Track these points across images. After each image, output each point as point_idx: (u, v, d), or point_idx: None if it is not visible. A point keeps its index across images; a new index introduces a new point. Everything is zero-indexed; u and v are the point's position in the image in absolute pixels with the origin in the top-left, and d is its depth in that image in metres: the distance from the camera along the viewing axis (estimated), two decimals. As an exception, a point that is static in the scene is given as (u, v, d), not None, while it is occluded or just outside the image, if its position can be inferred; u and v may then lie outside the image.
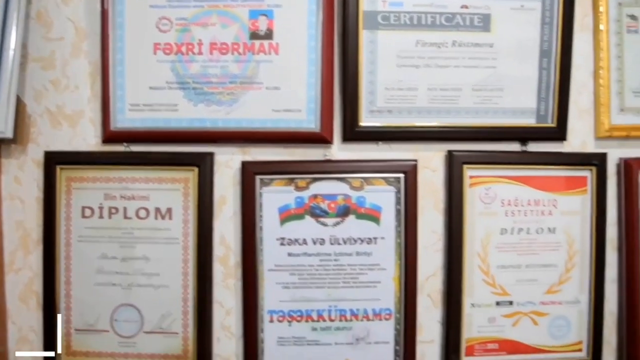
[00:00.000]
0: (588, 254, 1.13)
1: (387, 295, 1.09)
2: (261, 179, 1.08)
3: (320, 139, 1.08)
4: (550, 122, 1.12)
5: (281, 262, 1.09)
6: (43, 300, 1.10)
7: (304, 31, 1.07)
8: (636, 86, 1.15)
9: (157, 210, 1.10)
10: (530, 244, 1.12)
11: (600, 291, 1.13)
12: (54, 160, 1.09)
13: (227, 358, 1.12)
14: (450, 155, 1.10)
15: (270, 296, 1.09)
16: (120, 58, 1.08)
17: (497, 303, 1.12)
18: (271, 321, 1.09)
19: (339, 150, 1.11)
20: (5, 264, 1.12)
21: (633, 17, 1.14)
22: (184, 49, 1.08)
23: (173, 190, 1.10)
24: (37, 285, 1.11)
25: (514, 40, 1.11)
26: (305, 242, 1.09)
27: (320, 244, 1.09)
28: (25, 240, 1.12)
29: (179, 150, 1.10)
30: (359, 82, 1.08)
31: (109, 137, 1.09)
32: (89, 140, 1.12)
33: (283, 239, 1.09)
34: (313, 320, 1.09)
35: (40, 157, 1.10)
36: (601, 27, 1.13)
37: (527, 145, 1.13)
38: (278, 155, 1.11)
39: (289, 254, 1.09)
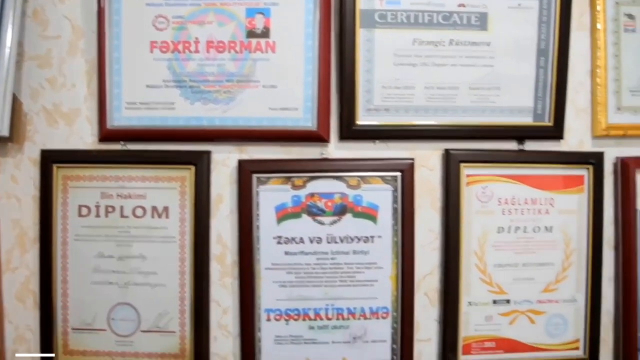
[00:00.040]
0: (585, 253, 1.13)
1: (384, 293, 1.09)
2: (258, 178, 1.08)
3: (317, 137, 1.08)
4: (548, 121, 1.12)
5: (278, 260, 1.09)
6: (40, 299, 1.10)
7: (300, 29, 1.07)
8: (633, 85, 1.15)
9: (154, 208, 1.09)
10: (527, 243, 1.12)
11: (597, 290, 1.13)
12: (50, 159, 1.09)
13: (224, 357, 1.12)
14: (447, 154, 1.10)
15: (267, 295, 1.09)
16: (116, 56, 1.08)
17: (494, 301, 1.12)
18: (268, 320, 1.09)
19: (335, 149, 1.11)
20: (1, 263, 1.11)
21: (630, 16, 1.15)
22: (180, 47, 1.08)
23: (170, 188, 1.09)
24: (34, 284, 1.11)
25: (511, 39, 1.11)
26: (302, 240, 1.08)
27: (317, 243, 1.08)
28: (22, 239, 1.12)
29: (176, 148, 1.09)
30: (356, 80, 1.08)
31: (106, 135, 1.09)
32: (86, 138, 1.11)
33: (280, 237, 1.08)
34: (310, 319, 1.09)
35: (36, 156, 1.10)
36: (598, 25, 1.14)
37: (524, 144, 1.13)
38: (275, 153, 1.11)
39: (286, 253, 1.08)
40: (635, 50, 1.14)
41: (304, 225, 1.08)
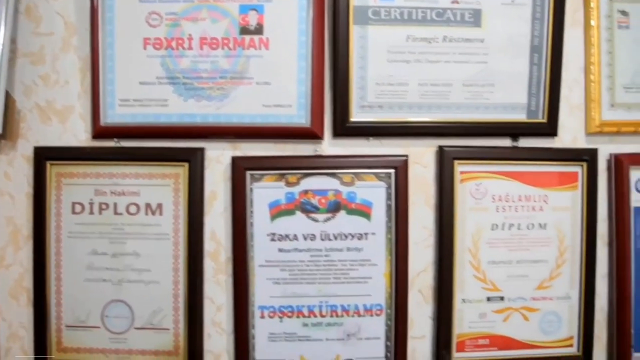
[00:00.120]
0: (579, 250, 1.13)
1: (378, 290, 1.09)
2: (252, 175, 1.08)
3: (311, 134, 1.08)
4: (541, 118, 1.12)
5: (272, 257, 1.08)
6: (33, 297, 1.09)
7: (294, 26, 1.07)
8: (627, 82, 1.15)
9: (148, 205, 1.09)
10: (521, 240, 1.12)
11: (591, 287, 1.13)
12: (43, 156, 1.09)
13: (218, 354, 1.12)
14: (441, 151, 1.10)
15: (261, 292, 1.09)
16: (110, 53, 1.08)
17: (488, 299, 1.12)
18: (262, 317, 1.09)
19: (329, 146, 1.11)
20: (-5, 260, 1.11)
21: (624, 12, 1.15)
22: (174, 44, 1.08)
23: (163, 185, 1.09)
24: (28, 282, 1.11)
25: (505, 36, 1.11)
26: (295, 237, 1.08)
27: (311, 240, 1.08)
28: (16, 236, 1.11)
29: (169, 145, 1.09)
30: (350, 77, 1.07)
31: (99, 132, 1.09)
32: (79, 135, 1.11)
33: (274, 234, 1.08)
34: (304, 316, 1.09)
35: (30, 153, 1.10)
36: (592, 22, 1.14)
37: (517, 140, 1.13)
38: (268, 150, 1.11)
39: (280, 250, 1.08)
40: (628, 47, 1.14)
41: (298, 222, 1.08)
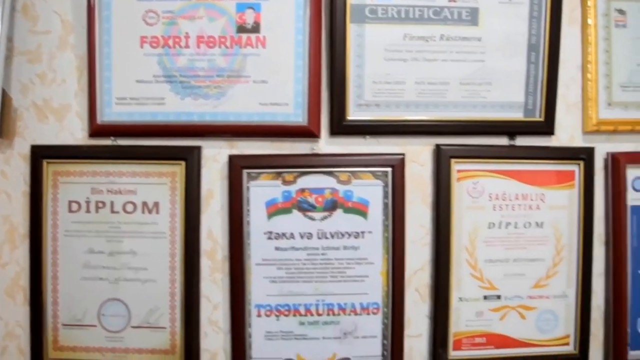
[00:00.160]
0: (575, 248, 1.13)
1: (375, 289, 1.09)
2: (248, 173, 1.08)
3: (308, 132, 1.08)
4: (538, 117, 1.12)
5: (268, 256, 1.08)
6: (30, 295, 1.09)
7: (291, 24, 1.07)
8: (624, 80, 1.15)
9: (144, 204, 1.09)
10: (517, 238, 1.13)
11: (588, 285, 1.13)
12: (40, 154, 1.09)
13: (214, 353, 1.12)
14: (438, 149, 1.10)
15: (258, 290, 1.09)
16: (107, 51, 1.08)
17: (485, 297, 1.12)
18: (259, 315, 1.09)
19: (326, 144, 1.11)
20: (-9, 259, 1.11)
21: (621, 11, 1.15)
22: (170, 42, 1.08)
23: (160, 184, 1.09)
24: (24, 280, 1.11)
25: (502, 34, 1.11)
26: (292, 236, 1.08)
27: (308, 238, 1.08)
28: (12, 234, 1.11)
29: (166, 144, 1.09)
30: (347, 75, 1.07)
31: (96, 131, 1.09)
32: (76, 134, 1.11)
33: (270, 233, 1.08)
34: (301, 315, 1.09)
35: (26, 151, 1.10)
36: (589, 21, 1.14)
37: (515, 139, 1.13)
38: (265, 149, 1.11)
39: (277, 248, 1.08)
40: (626, 46, 1.14)
41: (295, 221, 1.08)
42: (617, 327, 1.13)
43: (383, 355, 1.10)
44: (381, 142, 1.12)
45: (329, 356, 1.10)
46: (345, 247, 1.09)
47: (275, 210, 1.08)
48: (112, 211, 1.09)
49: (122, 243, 1.09)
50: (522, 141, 1.13)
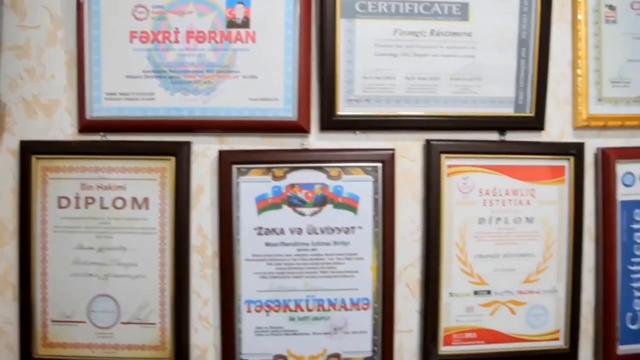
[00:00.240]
0: (565, 244, 1.14)
1: (365, 284, 1.09)
2: (238, 169, 1.07)
3: (298, 128, 1.07)
4: (529, 112, 1.12)
5: (258, 251, 1.08)
6: (19, 292, 1.09)
7: (281, 19, 1.07)
8: (614, 76, 1.15)
9: (134, 200, 1.09)
10: (508, 234, 1.13)
11: (578, 280, 1.14)
12: (29, 150, 1.08)
13: (205, 349, 1.12)
14: (428, 145, 1.10)
15: (248, 286, 1.08)
16: (96, 46, 1.07)
17: (475, 292, 1.12)
18: (249, 311, 1.09)
19: (316, 140, 1.11)
20: (-20, 255, 1.11)
21: (611, 7, 1.15)
22: (160, 37, 1.07)
23: (150, 179, 1.09)
24: (13, 277, 1.10)
25: (493, 30, 1.11)
26: (282, 231, 1.08)
27: (298, 234, 1.08)
28: (1, 231, 1.11)
29: (156, 139, 1.09)
30: (337, 70, 1.07)
31: (85, 126, 1.08)
32: (65, 129, 1.10)
33: (260, 228, 1.08)
34: (291, 310, 1.09)
35: (15, 147, 1.09)
36: (579, 16, 1.14)
37: (505, 134, 1.13)
38: (255, 144, 1.10)
39: (267, 244, 1.08)
40: (616, 41, 1.15)
41: (285, 216, 1.08)
42: (607, 321, 1.14)
43: (373, 350, 1.10)
44: (371, 138, 1.12)
45: (319, 352, 1.10)
46: (335, 243, 1.09)
47: (265, 205, 1.08)
48: (102, 207, 1.09)
49: (111, 239, 1.09)
50: (512, 136, 1.13)
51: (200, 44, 1.07)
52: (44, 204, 1.09)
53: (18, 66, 1.10)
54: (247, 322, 1.09)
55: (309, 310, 1.09)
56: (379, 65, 1.09)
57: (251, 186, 1.08)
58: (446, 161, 1.10)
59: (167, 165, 1.08)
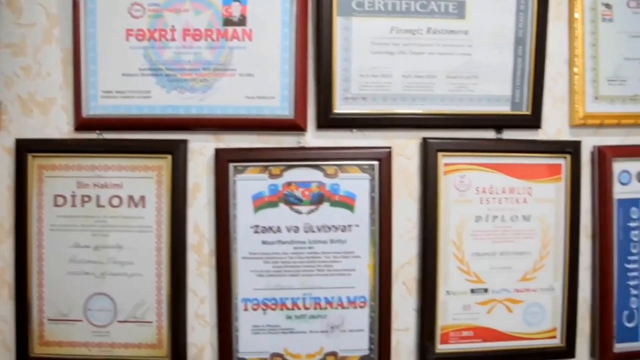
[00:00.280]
0: (562, 242, 1.14)
1: (362, 283, 1.09)
2: (235, 167, 1.07)
3: (294, 126, 1.07)
4: (525, 110, 1.12)
5: (255, 250, 1.08)
6: (15, 290, 1.08)
7: (277, 17, 1.07)
8: (610, 74, 1.15)
9: (130, 198, 1.09)
10: (505, 232, 1.13)
11: (574, 278, 1.14)
12: (25, 148, 1.08)
13: (201, 347, 1.12)
14: (425, 143, 1.10)
15: (245, 284, 1.08)
16: (92, 44, 1.07)
17: (472, 290, 1.13)
18: (245, 309, 1.09)
19: (313, 138, 1.11)
20: (-24, 254, 1.10)
21: (608, 5, 1.15)
22: (156, 35, 1.07)
23: (146, 178, 1.08)
24: (9, 275, 1.10)
25: (489, 28, 1.11)
26: (279, 229, 1.08)
27: (295, 232, 1.08)
28: (-3, 229, 1.11)
29: (152, 137, 1.09)
30: (333, 68, 1.07)
31: (81, 124, 1.08)
32: (61, 127, 1.10)
33: (257, 226, 1.08)
34: (287, 309, 1.09)
35: (11, 145, 1.09)
36: (576, 15, 1.14)
37: (502, 132, 1.13)
38: (252, 142, 1.10)
39: (263, 242, 1.08)
40: (612, 40, 1.15)
41: (281, 214, 1.08)
42: (604, 320, 1.14)
43: (370, 349, 1.10)
44: (368, 136, 1.11)
45: (316, 350, 1.10)
46: (332, 241, 1.08)
47: (261, 203, 1.08)
48: (98, 205, 1.09)
49: (108, 237, 1.08)
50: (509, 134, 1.13)
51: (196, 42, 1.07)
52: (40, 202, 1.08)
53: (14, 64, 1.09)
54: (244, 321, 1.09)
55: (306, 308, 1.09)
56: (375, 63, 1.09)
57: (248, 184, 1.08)
58: (443, 159, 1.10)
59: (164, 163, 1.08)
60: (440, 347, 1.12)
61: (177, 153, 1.07)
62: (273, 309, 1.09)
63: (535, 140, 1.14)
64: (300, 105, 1.07)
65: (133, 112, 1.08)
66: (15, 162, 1.08)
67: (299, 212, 1.08)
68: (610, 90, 1.15)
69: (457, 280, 1.12)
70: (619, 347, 1.14)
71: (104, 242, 1.08)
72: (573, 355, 1.15)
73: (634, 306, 1.15)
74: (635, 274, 1.15)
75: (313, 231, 1.08)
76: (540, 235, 1.13)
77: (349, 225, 1.08)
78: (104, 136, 1.09)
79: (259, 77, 1.07)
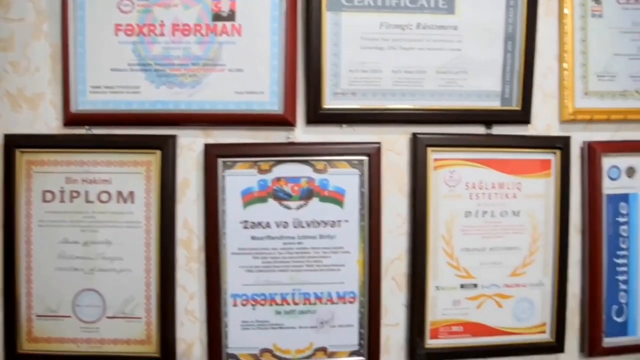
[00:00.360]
0: (552, 237, 1.14)
1: (352, 278, 1.09)
2: (224, 162, 1.07)
3: (284, 121, 1.07)
4: (515, 105, 1.12)
5: (244, 245, 1.08)
6: (3, 286, 1.08)
7: (267, 12, 1.07)
8: (600, 70, 1.15)
9: (119, 193, 1.08)
10: (494, 227, 1.13)
11: (564, 274, 1.14)
12: (14, 144, 1.07)
13: (191, 342, 1.12)
14: (414, 138, 1.10)
15: (234, 280, 1.08)
16: (81, 39, 1.07)
17: (462, 286, 1.13)
18: (235, 305, 1.08)
19: (302, 133, 1.11)
20: (-36, 250, 1.10)
21: (597, 1, 1.15)
22: (145, 30, 1.07)
23: (135, 173, 1.08)
24: (-3, 271, 1.10)
25: (479, 23, 1.11)
26: (268, 225, 1.08)
27: (284, 227, 1.08)
28: (-15, 225, 1.10)
29: (141, 133, 1.08)
30: (323, 64, 1.07)
31: (70, 120, 1.07)
32: (50, 123, 1.10)
33: (246, 222, 1.08)
34: (277, 304, 1.09)
35: (-1, 141, 1.09)
36: (566, 10, 1.14)
37: (491, 128, 1.13)
38: (241, 137, 1.10)
39: (253, 237, 1.08)
40: (602, 36, 1.15)
41: (271, 210, 1.08)
42: (593, 314, 1.14)
43: (360, 344, 1.10)
44: (357, 131, 1.11)
45: (306, 345, 1.10)
46: (321, 236, 1.08)
47: (251, 199, 1.08)
48: (87, 201, 1.08)
49: (97, 233, 1.08)
50: (498, 130, 1.13)
51: (185, 37, 1.07)
52: (29, 198, 1.08)
53: (2, 59, 1.09)
54: (233, 316, 1.08)
55: (295, 304, 1.09)
56: (365, 58, 1.08)
57: (237, 179, 1.07)
58: (432, 154, 1.10)
59: (153, 158, 1.08)
60: (430, 342, 1.12)
61: (166, 148, 1.07)
62: (262, 305, 1.09)
63: (525, 135, 1.14)
64: (290, 101, 1.07)
65: (122, 107, 1.07)
66: (4, 157, 1.07)
67: (288, 208, 1.08)
68: (600, 86, 1.15)
69: (446, 275, 1.12)
70: (608, 341, 1.15)
71: (92, 237, 1.08)
72: (562, 350, 1.15)
73: (623, 301, 1.16)
74: (624, 268, 1.16)
75: (302, 226, 1.08)
76: (530, 231, 1.13)
77: (339, 221, 1.08)
78: (92, 131, 1.08)
79: (248, 72, 1.07)
